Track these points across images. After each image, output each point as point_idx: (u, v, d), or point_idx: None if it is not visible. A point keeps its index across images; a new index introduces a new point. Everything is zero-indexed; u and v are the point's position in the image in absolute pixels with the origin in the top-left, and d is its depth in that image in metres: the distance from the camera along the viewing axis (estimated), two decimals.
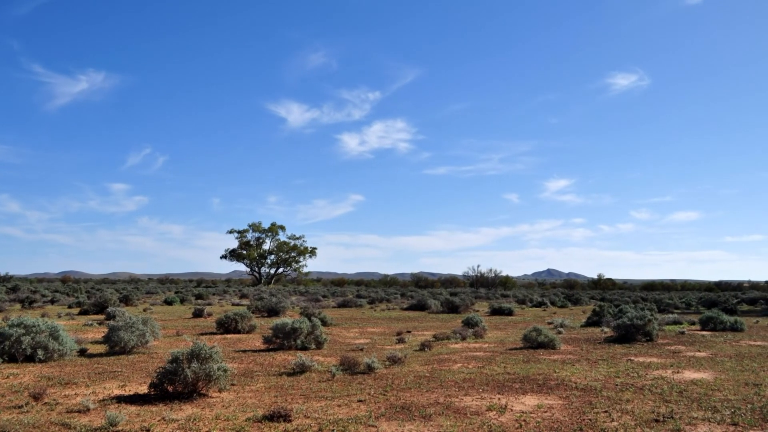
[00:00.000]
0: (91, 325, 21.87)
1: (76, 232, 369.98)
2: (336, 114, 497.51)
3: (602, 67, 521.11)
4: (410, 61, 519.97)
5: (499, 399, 9.37)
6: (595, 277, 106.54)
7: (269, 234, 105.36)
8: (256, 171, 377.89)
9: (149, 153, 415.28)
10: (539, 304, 41.70)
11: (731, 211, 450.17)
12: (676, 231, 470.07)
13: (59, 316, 26.22)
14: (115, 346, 14.53)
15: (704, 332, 20.80)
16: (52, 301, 39.00)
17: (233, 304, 38.82)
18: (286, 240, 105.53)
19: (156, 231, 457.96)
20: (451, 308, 33.91)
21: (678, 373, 12.00)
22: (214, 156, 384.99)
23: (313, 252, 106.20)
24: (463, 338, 18.27)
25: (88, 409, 8.42)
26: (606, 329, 20.91)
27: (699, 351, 15.56)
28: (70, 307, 33.84)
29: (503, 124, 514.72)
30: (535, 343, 16.05)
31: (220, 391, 9.82)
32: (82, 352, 14.40)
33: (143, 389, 10.02)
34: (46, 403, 8.94)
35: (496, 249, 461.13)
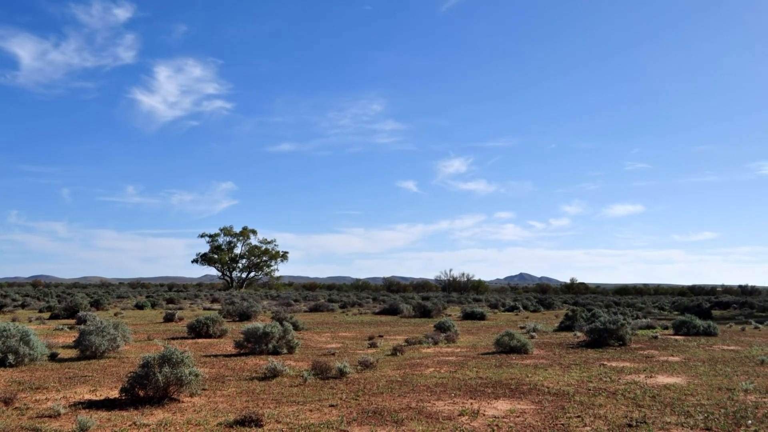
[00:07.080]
0: (62, 329, 21.55)
1: None
2: (86, 52, 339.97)
3: None
4: None
5: (471, 404, 9.41)
6: (568, 281, 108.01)
7: (241, 238, 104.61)
8: (61, 148, 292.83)
9: None
10: (512, 309, 41.95)
11: (674, 204, 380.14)
12: (616, 227, 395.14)
13: (30, 321, 25.87)
14: (86, 350, 14.35)
15: (677, 337, 21.09)
16: (23, 306, 38.55)
17: (204, 309, 38.53)
18: (258, 244, 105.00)
19: (42, 230, 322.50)
20: (423, 312, 33.98)
21: (651, 377, 12.15)
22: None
23: (284, 256, 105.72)
24: (435, 343, 18.32)
25: (59, 414, 8.31)
26: (579, 334, 21.09)
27: (672, 355, 15.78)
28: (40, 311, 33.28)
29: (316, 59, 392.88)
30: (507, 347, 16.14)
31: (191, 395, 9.75)
32: (53, 357, 14.16)
33: (114, 394, 9.89)
34: (16, 407, 8.80)
35: (427, 249, 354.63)
